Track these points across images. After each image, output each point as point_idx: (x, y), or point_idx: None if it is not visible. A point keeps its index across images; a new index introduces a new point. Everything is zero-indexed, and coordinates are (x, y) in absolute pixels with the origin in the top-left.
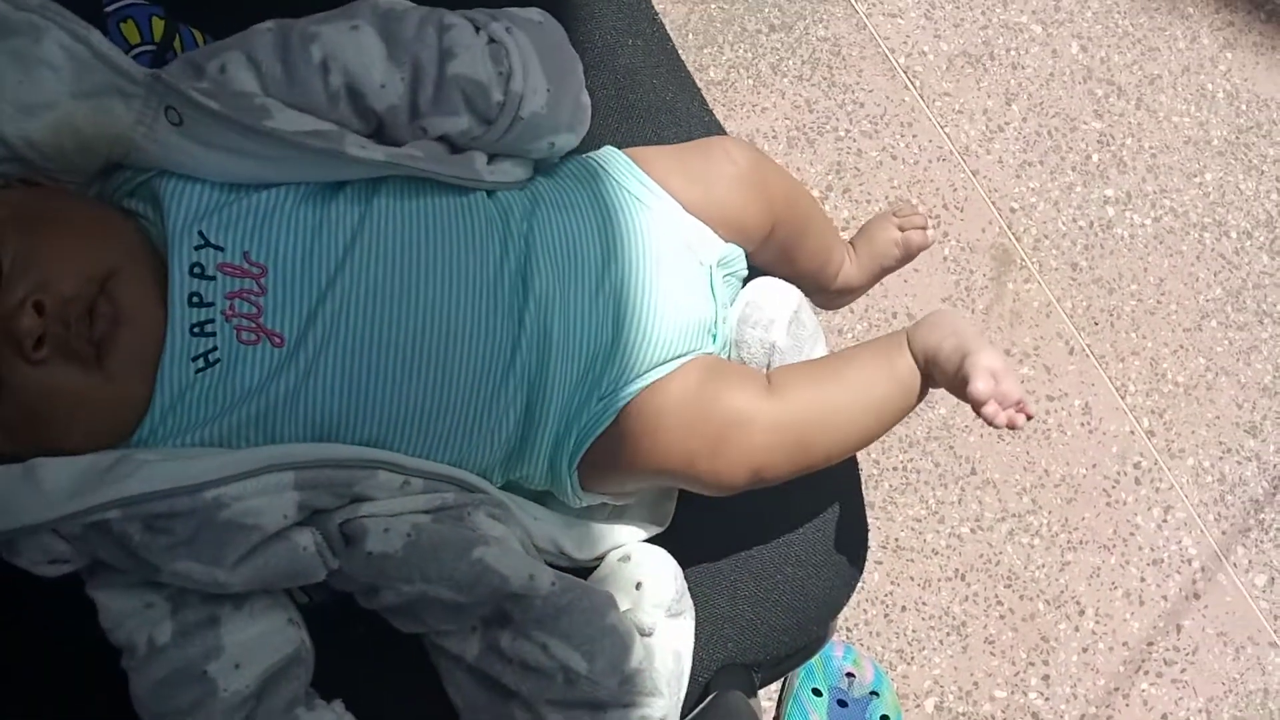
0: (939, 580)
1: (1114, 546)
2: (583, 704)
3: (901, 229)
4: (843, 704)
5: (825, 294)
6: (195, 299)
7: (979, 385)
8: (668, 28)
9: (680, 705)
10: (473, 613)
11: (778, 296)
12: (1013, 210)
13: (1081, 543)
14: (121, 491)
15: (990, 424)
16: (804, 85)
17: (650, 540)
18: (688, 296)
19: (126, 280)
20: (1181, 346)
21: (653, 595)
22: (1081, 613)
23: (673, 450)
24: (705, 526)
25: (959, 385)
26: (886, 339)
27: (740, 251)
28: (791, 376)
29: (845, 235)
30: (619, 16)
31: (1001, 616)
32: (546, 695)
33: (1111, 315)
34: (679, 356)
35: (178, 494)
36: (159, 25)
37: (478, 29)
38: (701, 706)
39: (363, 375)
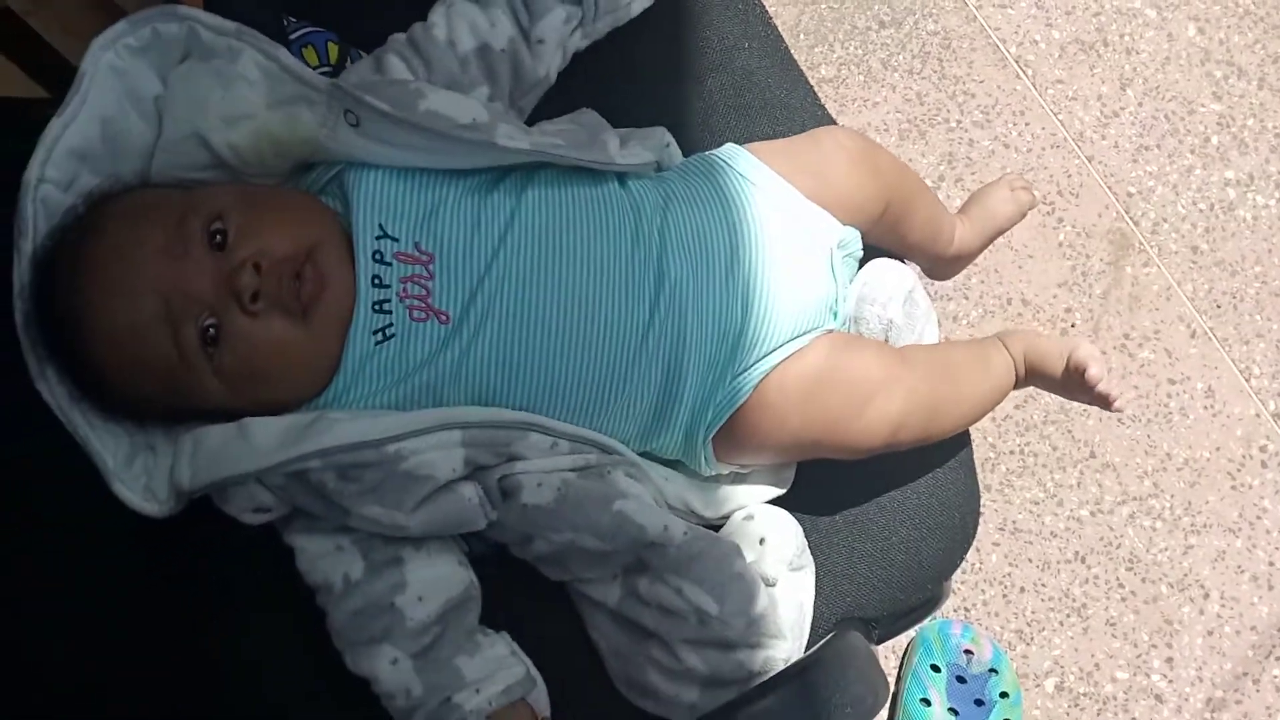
0: (1058, 562)
1: (1240, 530)
2: (714, 643)
3: (1011, 188)
4: (961, 680)
5: (940, 262)
6: (376, 280)
7: (1094, 369)
8: (780, 29)
9: (803, 651)
10: (614, 561)
11: (893, 275)
12: (1130, 195)
13: (1206, 526)
14: (320, 444)
15: (1108, 403)
16: (914, 79)
17: (771, 502)
18: (810, 278)
19: (328, 252)
20: None
21: (776, 549)
22: (1206, 596)
23: (815, 417)
24: (824, 489)
25: (1073, 372)
26: (979, 341)
27: (856, 233)
28: (917, 351)
29: None
30: (735, 22)
31: (1123, 599)
32: (682, 635)
33: (1235, 298)
34: (805, 333)
35: (366, 447)
36: (333, 49)
37: None
38: (823, 642)
39: (516, 349)
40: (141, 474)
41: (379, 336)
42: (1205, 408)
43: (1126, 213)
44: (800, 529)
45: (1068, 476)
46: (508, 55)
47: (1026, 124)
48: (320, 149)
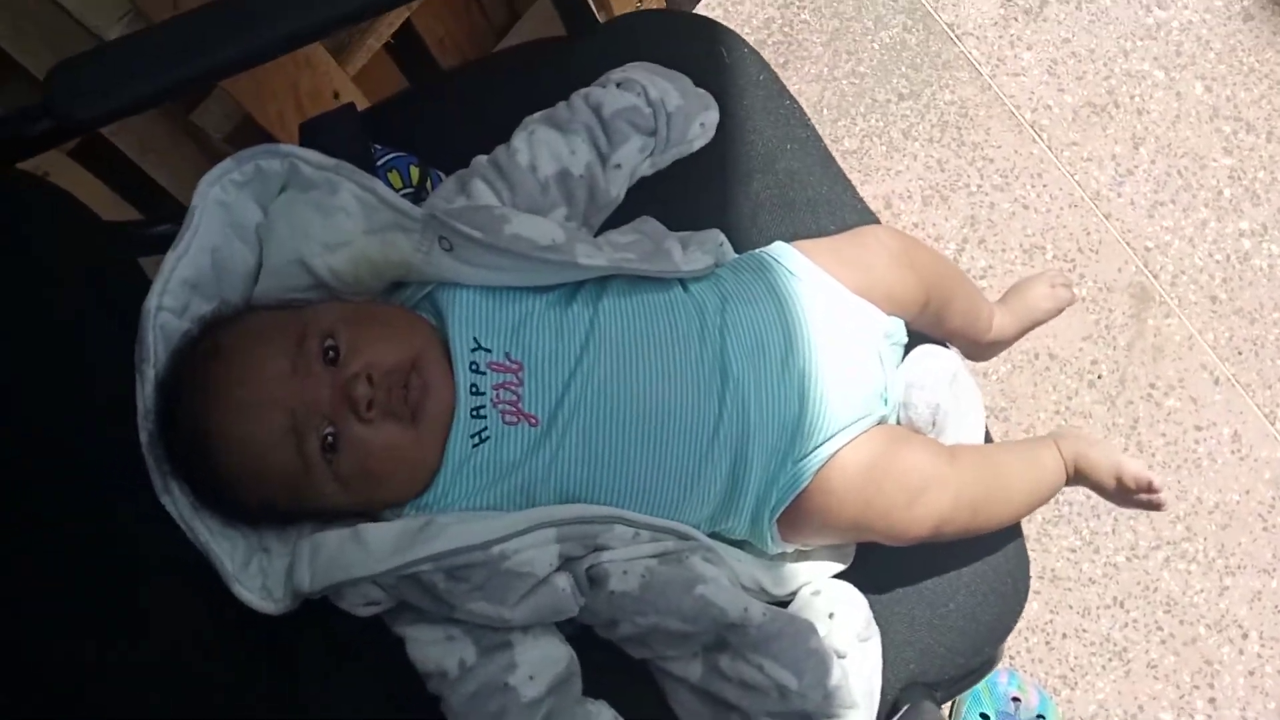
0: (1098, 608)
1: (1274, 570)
2: (793, 715)
3: (1052, 285)
4: None
5: (977, 346)
6: (474, 389)
7: (1156, 492)
8: (804, 106)
9: (874, 718)
10: (695, 641)
11: (938, 362)
12: (1148, 249)
13: (1240, 567)
14: (432, 549)
15: (1154, 508)
16: (935, 147)
17: (835, 576)
18: (860, 368)
19: (430, 362)
20: None
21: (845, 623)
22: (1245, 636)
23: (869, 505)
24: (883, 563)
25: (1122, 485)
26: (1034, 440)
27: (900, 323)
28: (966, 451)
29: (982, 282)
30: (777, 127)
31: (1163, 641)
32: (764, 708)
33: (1255, 344)
34: (858, 420)
35: (473, 550)
36: (415, 171)
37: (604, 85)
38: (900, 715)
39: (600, 448)
40: (258, 574)
41: (475, 440)
42: (1233, 452)
43: (1146, 266)
44: (865, 601)
45: (1102, 524)
46: (585, 180)
47: (1044, 185)
48: (414, 270)
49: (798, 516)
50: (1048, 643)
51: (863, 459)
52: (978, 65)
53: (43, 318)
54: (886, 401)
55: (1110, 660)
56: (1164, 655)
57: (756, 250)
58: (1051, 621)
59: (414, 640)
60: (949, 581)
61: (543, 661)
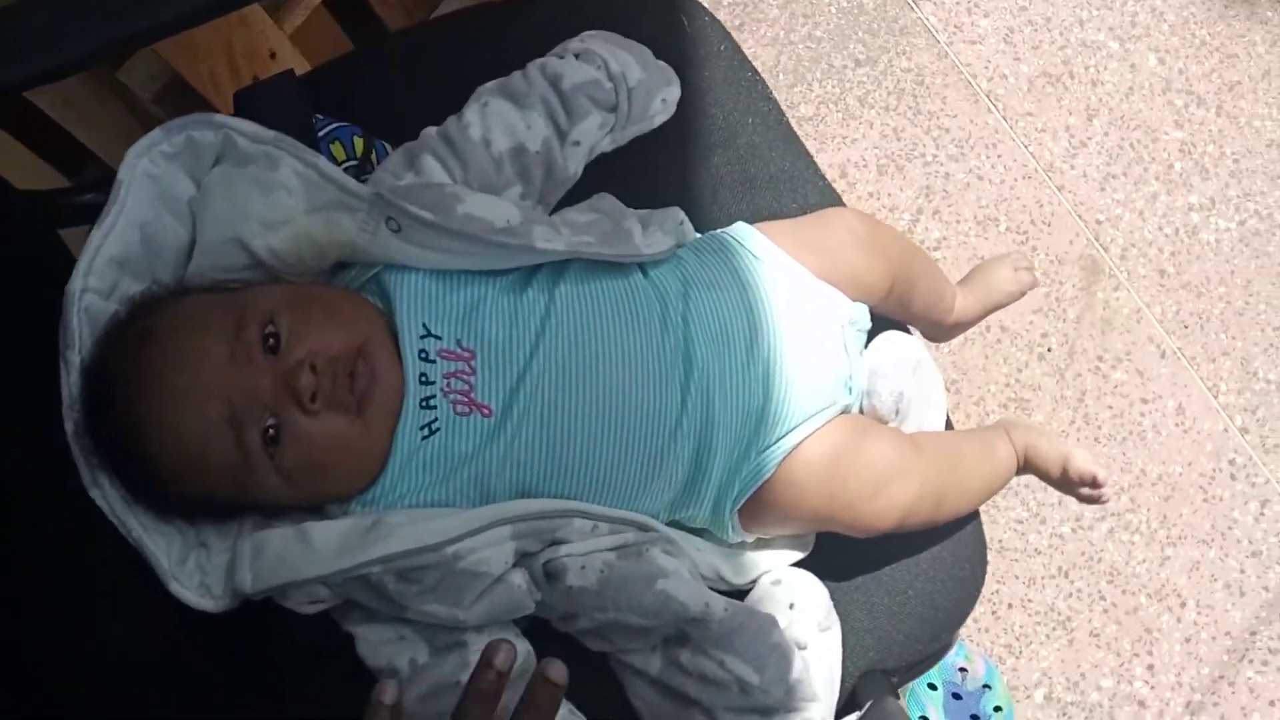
0: (1043, 578)
1: (1213, 540)
2: (754, 710)
3: (1015, 268)
4: (957, 696)
5: (939, 328)
6: (423, 378)
7: (1101, 483)
8: (760, 69)
9: (834, 709)
10: (655, 634)
11: (902, 349)
12: (1099, 222)
13: (1181, 538)
14: (382, 550)
15: (1095, 502)
16: (891, 115)
17: (795, 564)
18: (825, 355)
19: (377, 349)
20: (1272, 345)
21: (805, 613)
22: (1183, 605)
23: (833, 497)
24: (842, 550)
25: (1067, 478)
26: (989, 430)
27: (865, 308)
28: (929, 441)
29: (937, 254)
30: (739, 99)
31: (1105, 610)
32: (725, 703)
33: (1201, 318)
34: (823, 410)
35: (425, 551)
36: (359, 143)
37: (562, 56)
38: (862, 714)
39: (557, 439)
40: (195, 571)
41: (425, 431)
42: (1176, 424)
43: (1096, 239)
44: (826, 591)
45: (1049, 496)
46: (541, 157)
47: (999, 156)
48: (360, 251)
49: (760, 507)
50: (994, 613)
51: (827, 450)
52: (934, 32)
53: None
54: (851, 390)
55: (1054, 629)
56: (1106, 624)
57: (718, 231)
58: (998, 592)
59: (363, 639)
60: (907, 568)
61: None
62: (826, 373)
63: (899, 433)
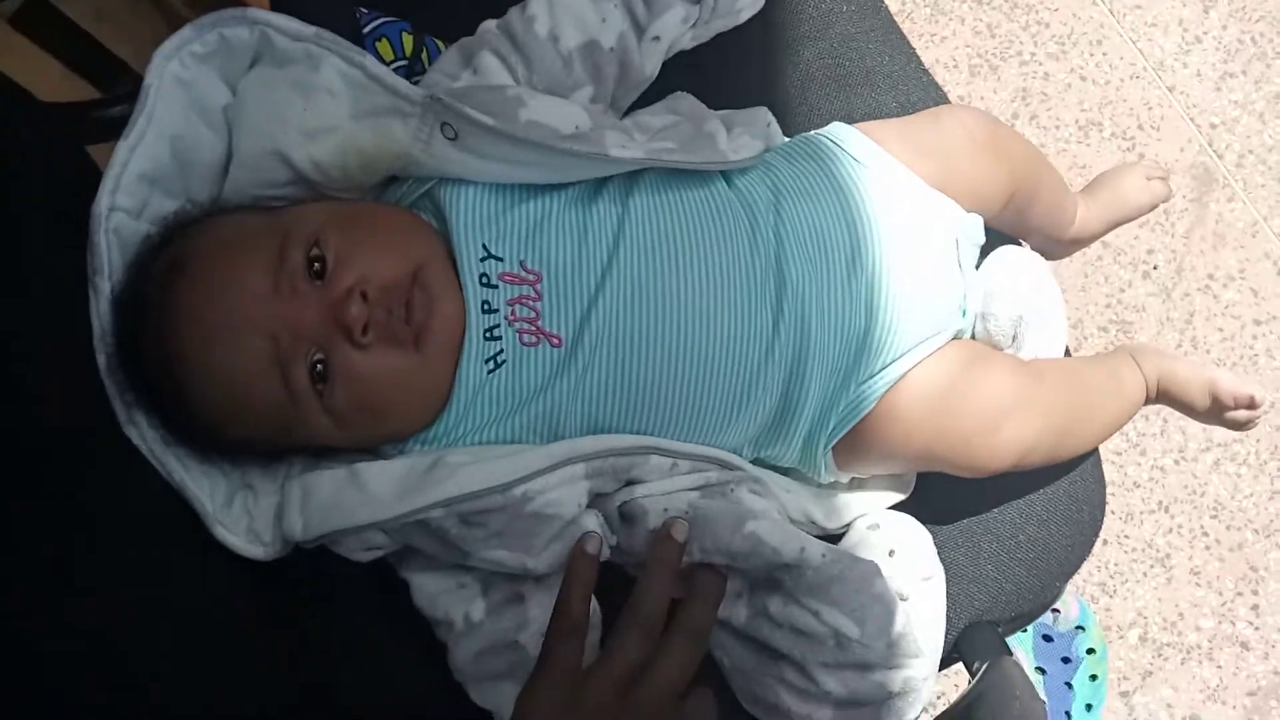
0: (1141, 513)
1: None
2: (852, 665)
3: (1148, 177)
4: (1048, 639)
5: (1056, 243)
6: (486, 305)
7: (1253, 393)
8: None
9: (938, 664)
10: (742, 577)
11: (1022, 266)
12: (1213, 126)
13: None
14: (444, 493)
15: (1248, 427)
16: (984, 9)
17: (892, 507)
18: (936, 275)
19: (434, 274)
20: None
21: (906, 561)
22: None
23: (944, 433)
24: (944, 491)
25: (1218, 403)
26: (1113, 356)
27: (980, 220)
28: (1050, 369)
29: None
30: None
31: (1207, 548)
32: (819, 658)
33: None
34: (933, 336)
35: (491, 492)
36: (408, 40)
37: None
38: (979, 678)
39: (633, 370)
40: (242, 515)
41: (490, 364)
42: None
43: (1210, 145)
44: (929, 537)
45: (1150, 425)
46: (615, 54)
47: (1104, 54)
48: (412, 163)
49: (858, 444)
50: None
51: (938, 381)
52: None
53: None
54: (964, 313)
55: (1152, 567)
56: (1208, 561)
57: (811, 133)
58: None
59: (419, 588)
60: (1019, 511)
61: None
62: (938, 293)
63: (1018, 360)
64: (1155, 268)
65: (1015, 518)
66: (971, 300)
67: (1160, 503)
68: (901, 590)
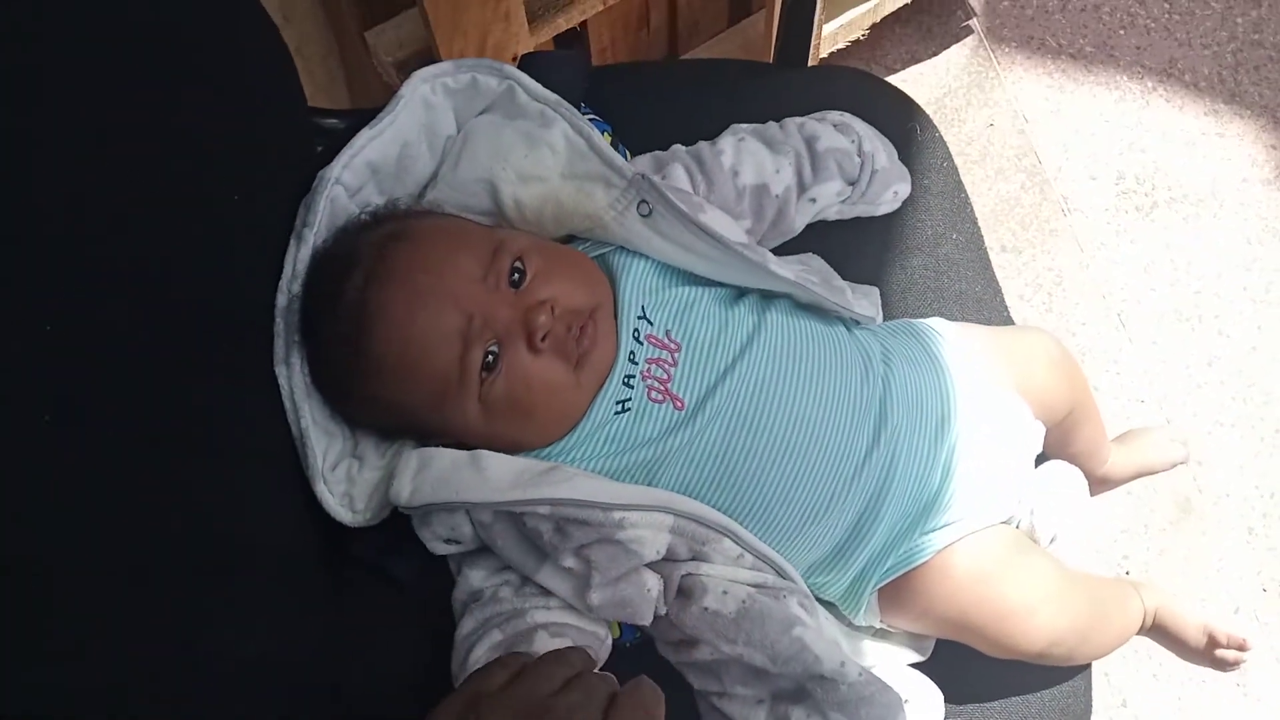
0: None
1: None
2: None
3: (1171, 438)
4: None
5: (1089, 479)
6: (631, 356)
7: (1245, 637)
8: None
9: None
10: (771, 684)
11: (1070, 484)
12: (1199, 464)
13: None
14: (556, 493)
15: (1234, 669)
16: (1024, 305)
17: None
18: (1006, 463)
19: (607, 314)
20: None
21: (920, 713)
22: None
23: (985, 602)
24: (957, 666)
25: (1213, 642)
26: (1119, 582)
27: (1043, 428)
28: (1080, 577)
29: None
30: (948, 214)
31: None
32: None
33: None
34: (992, 513)
35: (596, 506)
36: (607, 138)
37: (821, 120)
38: None
39: (739, 445)
40: (343, 480)
41: (619, 407)
42: None
43: (1194, 480)
44: (942, 699)
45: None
46: (779, 201)
47: (1118, 374)
48: (600, 227)
49: (904, 591)
50: None
51: (991, 552)
52: (1080, 242)
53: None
54: (1019, 503)
55: None
56: None
57: (914, 320)
58: None
59: (465, 583)
60: (1016, 708)
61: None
62: (1004, 478)
63: (1058, 560)
64: (1128, 573)
65: (1015, 715)
66: (1025, 495)
67: None
68: None
